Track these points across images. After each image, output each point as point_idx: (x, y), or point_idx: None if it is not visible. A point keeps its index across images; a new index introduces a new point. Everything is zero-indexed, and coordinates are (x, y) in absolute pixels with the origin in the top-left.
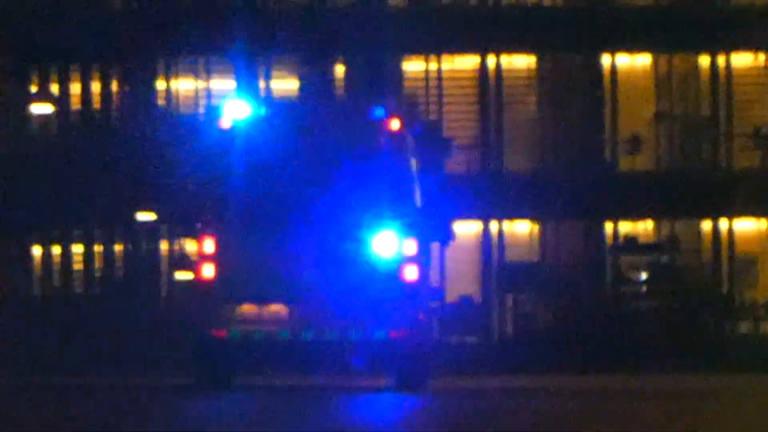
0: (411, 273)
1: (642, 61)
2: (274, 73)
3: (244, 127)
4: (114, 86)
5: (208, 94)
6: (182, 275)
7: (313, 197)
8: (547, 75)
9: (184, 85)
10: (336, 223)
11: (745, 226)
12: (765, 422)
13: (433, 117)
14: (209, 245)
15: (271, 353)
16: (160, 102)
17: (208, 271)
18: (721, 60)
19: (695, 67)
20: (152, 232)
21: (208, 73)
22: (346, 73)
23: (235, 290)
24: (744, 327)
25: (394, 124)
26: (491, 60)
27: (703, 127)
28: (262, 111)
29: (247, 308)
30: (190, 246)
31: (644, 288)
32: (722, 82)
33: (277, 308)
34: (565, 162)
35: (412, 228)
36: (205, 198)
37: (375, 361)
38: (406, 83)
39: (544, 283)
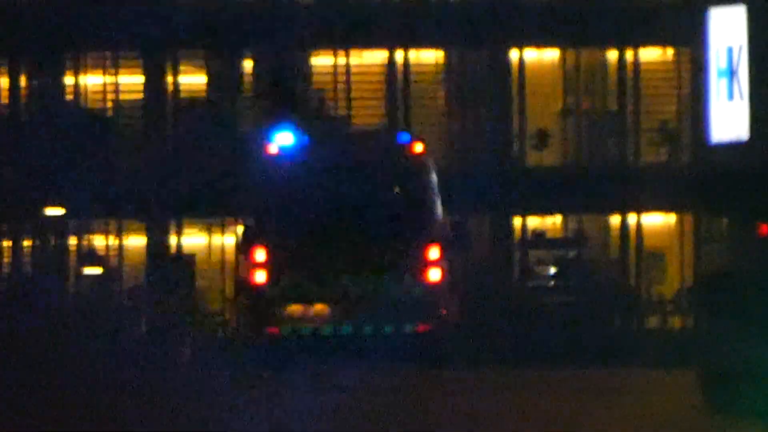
0: (435, 275)
1: (549, 56)
2: (182, 68)
3: (289, 153)
4: (22, 81)
5: (117, 88)
6: (91, 270)
7: (349, 211)
8: (454, 70)
9: (92, 80)
10: (370, 233)
11: (653, 220)
12: (661, 417)
13: (341, 112)
14: (261, 254)
15: (316, 346)
16: (69, 96)
17: (261, 277)
18: (628, 55)
19: (603, 62)
20: (60, 227)
21: (116, 68)
22: (254, 67)
23: (284, 293)
24: (652, 322)
25: (418, 147)
26: (399, 55)
27: (610, 122)
28: (305, 139)
29: (295, 308)
30: (98, 241)
31: (552, 283)
32: (629, 77)
33: (320, 307)
34: (473, 157)
35: (435, 236)
36: (258, 213)
37: (404, 352)
38: (315, 78)
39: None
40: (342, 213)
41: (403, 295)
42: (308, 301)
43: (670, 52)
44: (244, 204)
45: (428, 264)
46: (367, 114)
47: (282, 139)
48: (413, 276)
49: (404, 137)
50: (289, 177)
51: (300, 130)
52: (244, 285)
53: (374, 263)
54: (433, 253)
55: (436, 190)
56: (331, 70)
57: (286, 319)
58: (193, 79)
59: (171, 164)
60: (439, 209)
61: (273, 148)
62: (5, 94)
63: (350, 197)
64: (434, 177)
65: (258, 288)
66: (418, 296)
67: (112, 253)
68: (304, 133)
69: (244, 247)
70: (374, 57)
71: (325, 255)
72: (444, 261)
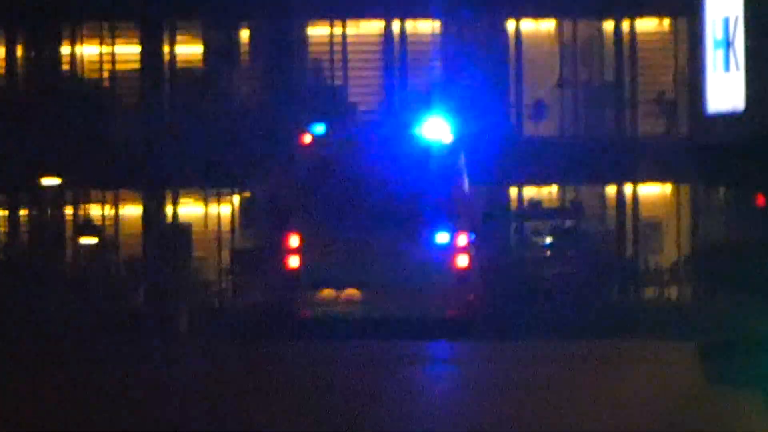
0: (462, 262)
1: (546, 26)
2: (179, 38)
3: (323, 143)
4: (19, 50)
5: (113, 58)
6: (87, 240)
7: (381, 199)
8: (451, 40)
9: (89, 50)
10: (400, 220)
11: (650, 191)
12: (660, 388)
13: (338, 82)
14: (295, 240)
15: (347, 328)
16: (65, 66)
17: (294, 262)
18: (625, 25)
19: (599, 32)
20: (57, 197)
21: (113, 38)
22: (251, 38)
23: (317, 277)
24: (649, 292)
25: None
26: (396, 25)
27: (607, 93)
28: (337, 129)
29: (327, 292)
30: (94, 211)
31: (549, 253)
32: (626, 47)
33: (351, 292)
34: (470, 127)
35: (463, 224)
36: (292, 201)
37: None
38: (311, 48)
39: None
40: (374, 201)
41: (432, 280)
42: (340, 286)
43: (666, 22)
44: (277, 190)
45: (457, 251)
46: (365, 85)
47: (315, 129)
48: (443, 262)
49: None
50: (321, 166)
51: (332, 120)
52: (246, 258)
53: (405, 249)
54: (462, 240)
55: (465, 178)
56: (327, 40)
57: (319, 302)
58: (189, 49)
59: (168, 134)
60: (467, 197)
61: (307, 138)
62: (1, 63)
63: (382, 186)
64: (463, 166)
65: (291, 272)
66: (447, 282)
67: (108, 222)
68: (337, 123)
69: (277, 231)
70: (371, 27)
71: (356, 241)
72: (472, 248)
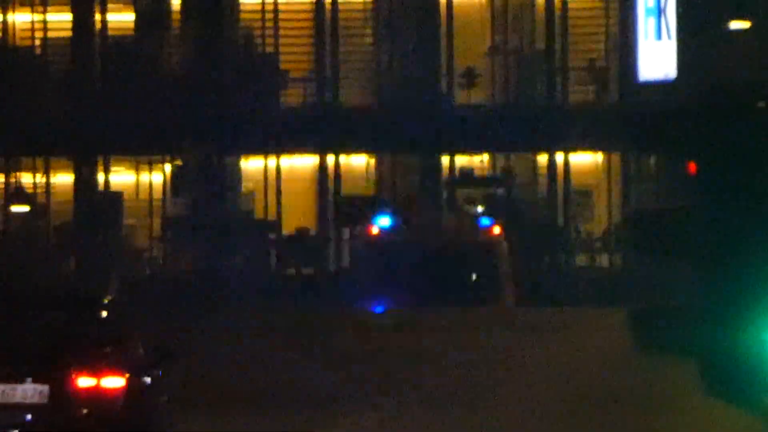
0: None
1: None
2: (110, 5)
3: (387, 234)
4: None
5: (45, 26)
6: (17, 208)
7: (440, 284)
8: (383, 8)
9: (20, 18)
10: (458, 301)
11: (581, 159)
12: (592, 354)
13: (269, 50)
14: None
15: None
16: None
17: None
18: None
19: None
20: None
21: (44, 6)
22: (182, 5)
23: None
24: (580, 260)
25: (496, 230)
26: None
27: (538, 61)
28: (399, 221)
29: None
30: (25, 179)
31: None
32: (558, 15)
33: None
34: (401, 95)
35: (509, 295)
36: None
37: None
38: (242, 15)
39: None
40: (433, 286)
41: None
42: None
43: None
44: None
45: None
46: (295, 52)
47: (381, 222)
48: None
49: (485, 221)
50: (386, 255)
51: (395, 214)
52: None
53: None
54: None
55: (509, 262)
56: (259, 7)
57: None
58: (121, 17)
59: (99, 102)
60: (511, 277)
61: (374, 230)
62: None
63: (440, 272)
64: (508, 253)
65: None
66: None
67: (39, 190)
68: (399, 216)
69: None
70: None
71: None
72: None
